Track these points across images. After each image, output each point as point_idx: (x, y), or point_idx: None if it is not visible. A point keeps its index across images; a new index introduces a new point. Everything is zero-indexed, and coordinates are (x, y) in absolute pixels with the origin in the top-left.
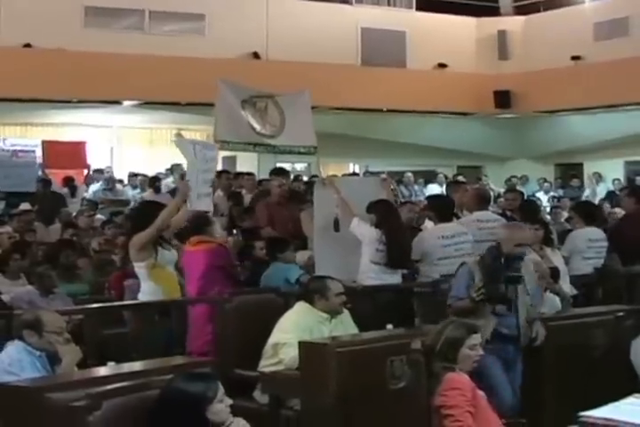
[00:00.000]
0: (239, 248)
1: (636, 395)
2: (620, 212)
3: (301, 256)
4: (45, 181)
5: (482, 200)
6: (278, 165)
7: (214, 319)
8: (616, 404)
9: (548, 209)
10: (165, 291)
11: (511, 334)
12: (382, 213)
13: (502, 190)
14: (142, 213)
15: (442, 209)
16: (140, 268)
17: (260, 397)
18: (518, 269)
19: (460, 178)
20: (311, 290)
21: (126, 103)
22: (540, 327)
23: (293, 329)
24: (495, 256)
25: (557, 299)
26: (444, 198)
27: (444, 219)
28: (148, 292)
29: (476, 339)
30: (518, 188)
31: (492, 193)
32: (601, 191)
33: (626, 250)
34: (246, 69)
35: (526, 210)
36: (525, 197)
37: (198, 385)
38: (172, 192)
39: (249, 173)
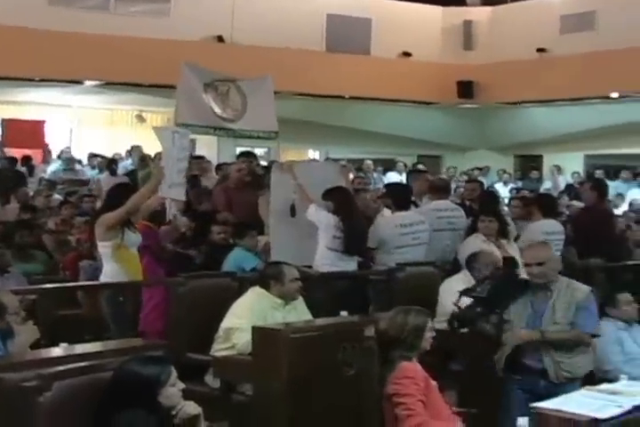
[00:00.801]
0: (194, 232)
1: (588, 387)
2: (578, 205)
3: (258, 242)
4: (12, 159)
5: (441, 189)
6: (238, 149)
7: (168, 301)
8: (568, 395)
9: (506, 200)
10: (129, 272)
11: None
12: (339, 199)
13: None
14: (115, 194)
15: (399, 197)
16: (104, 247)
17: (212, 381)
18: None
19: (421, 167)
20: (267, 275)
21: (88, 83)
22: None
23: (247, 314)
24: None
25: None
26: (402, 186)
27: (402, 207)
28: (110, 273)
29: (430, 321)
30: (479, 178)
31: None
32: (559, 184)
33: (585, 243)
34: (210, 52)
35: (485, 201)
36: (485, 188)
37: (152, 368)
38: (129, 174)
39: (198, 157)
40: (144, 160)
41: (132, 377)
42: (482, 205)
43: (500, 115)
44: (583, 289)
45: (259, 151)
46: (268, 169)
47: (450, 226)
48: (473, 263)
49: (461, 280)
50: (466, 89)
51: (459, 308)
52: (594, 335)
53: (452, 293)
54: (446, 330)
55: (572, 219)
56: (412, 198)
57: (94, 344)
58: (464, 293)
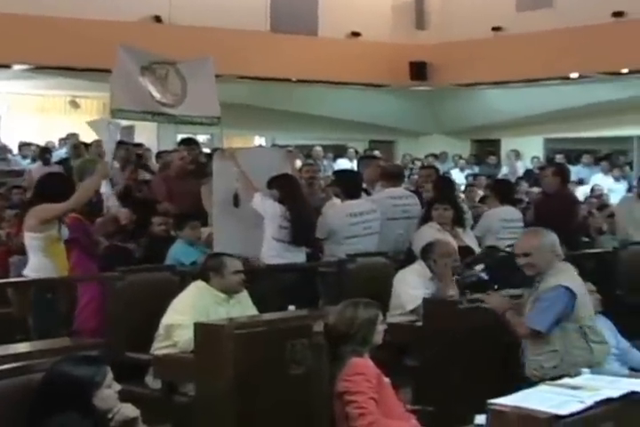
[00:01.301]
0: (134, 223)
1: (549, 382)
2: (538, 191)
3: (202, 233)
4: None
5: (394, 176)
6: (179, 136)
7: (104, 297)
8: (527, 391)
9: (462, 187)
10: (58, 267)
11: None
12: (285, 188)
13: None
14: (47, 183)
15: (349, 185)
16: (35, 239)
17: (152, 382)
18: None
19: (377, 153)
20: (206, 268)
21: (16, 67)
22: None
23: (188, 310)
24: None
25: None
26: (352, 173)
27: (352, 195)
28: (37, 267)
29: (381, 313)
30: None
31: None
32: (517, 169)
33: None
34: (147, 34)
35: (441, 187)
36: (440, 174)
37: (85, 369)
38: (62, 162)
39: (137, 144)
40: (78, 149)
41: (64, 379)
42: (438, 191)
43: (455, 97)
44: (550, 283)
45: (201, 138)
46: (210, 157)
47: (405, 214)
48: (428, 254)
49: (416, 271)
50: (419, 70)
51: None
52: (537, 331)
53: (407, 284)
54: (400, 323)
55: (534, 206)
56: (364, 186)
57: (24, 344)
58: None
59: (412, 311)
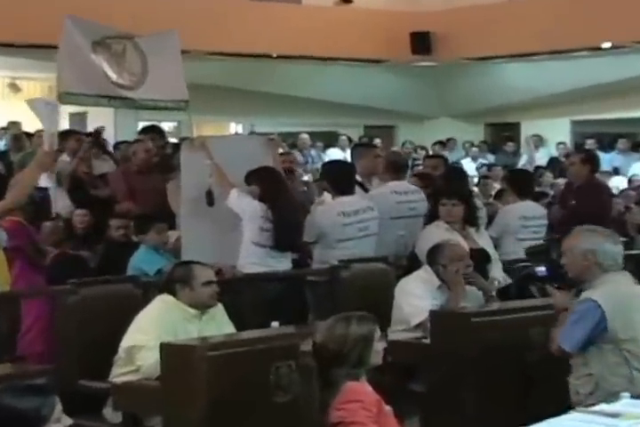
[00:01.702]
0: (87, 228)
1: (580, 409)
2: (564, 183)
3: (168, 238)
4: None
5: (398, 167)
6: (140, 124)
7: (52, 315)
8: (555, 420)
9: (475, 180)
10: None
11: None
12: (266, 183)
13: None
14: None
15: (340, 178)
16: None
17: (112, 414)
18: None
19: (377, 141)
20: (173, 279)
21: None
22: None
23: (153, 328)
24: None
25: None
26: (343, 165)
27: (344, 191)
28: None
29: (378, 328)
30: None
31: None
32: (541, 157)
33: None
34: (98, 3)
35: (452, 180)
36: (449, 164)
37: (30, 401)
38: (2, 157)
39: (90, 134)
40: (19, 140)
41: (5, 413)
42: (449, 184)
43: (464, 74)
44: (585, 295)
45: (166, 126)
46: (178, 147)
47: (411, 212)
48: (436, 258)
49: (421, 279)
50: (421, 43)
51: None
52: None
53: (410, 294)
54: (404, 341)
55: (560, 200)
56: (359, 180)
57: None
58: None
59: (418, 327)
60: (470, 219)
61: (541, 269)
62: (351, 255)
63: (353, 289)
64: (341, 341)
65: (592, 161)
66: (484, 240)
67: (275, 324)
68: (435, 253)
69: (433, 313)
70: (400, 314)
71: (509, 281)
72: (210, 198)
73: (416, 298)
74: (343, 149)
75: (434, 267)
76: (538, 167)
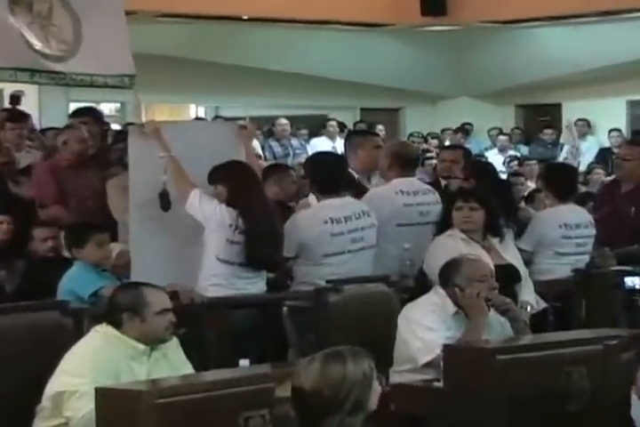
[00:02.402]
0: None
1: None
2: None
3: (110, 252)
4: None
5: (406, 161)
6: (73, 105)
7: None
8: None
9: (504, 177)
10: None
11: None
12: (236, 182)
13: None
14: None
15: (327, 175)
16: None
17: None
18: None
19: (380, 128)
20: (118, 306)
21: None
22: None
23: (88, 369)
24: None
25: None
26: (331, 158)
27: (330, 191)
28: None
29: (373, 363)
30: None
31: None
32: (589, 149)
33: (633, 242)
34: None
35: (483, 176)
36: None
37: None
38: None
39: None
40: None
41: None
42: (480, 181)
43: (488, 42)
44: None
45: (106, 108)
46: (122, 136)
47: (422, 218)
48: (451, 277)
49: (432, 305)
50: (433, 2)
51: None
52: None
53: (418, 324)
54: (411, 384)
55: (597, 203)
56: (355, 176)
57: None
58: None
59: (427, 366)
60: (493, 227)
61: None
62: (342, 274)
63: (345, 317)
64: (338, 385)
65: None
66: (511, 254)
67: (244, 362)
68: (449, 272)
69: (447, 348)
70: (405, 350)
71: (544, 306)
72: (164, 202)
73: (425, 330)
74: (332, 137)
75: (448, 289)
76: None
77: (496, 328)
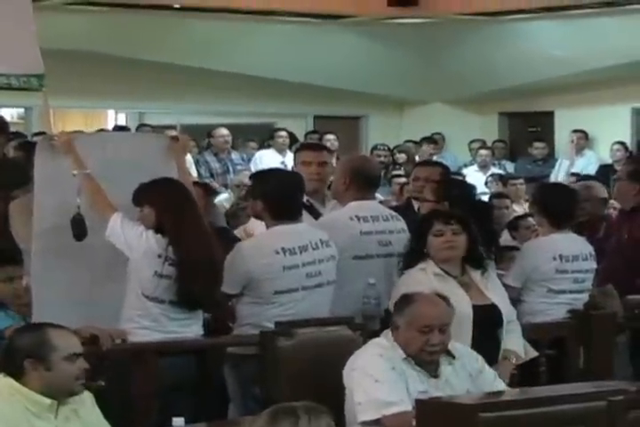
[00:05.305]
0: None
1: None
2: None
3: (12, 284)
4: None
5: (366, 180)
6: None
7: None
8: None
9: (485, 198)
10: None
11: None
12: (166, 204)
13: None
14: None
15: (277, 197)
16: None
17: None
18: None
19: (329, 137)
20: (18, 352)
21: None
22: None
23: None
24: None
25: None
26: (283, 176)
27: (285, 216)
28: None
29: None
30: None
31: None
32: (586, 166)
33: (635, 277)
34: None
35: (457, 198)
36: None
37: None
38: None
39: None
40: None
41: None
42: (456, 203)
43: (467, 37)
44: None
45: (8, 114)
46: (27, 148)
47: (383, 249)
48: (395, 313)
49: (380, 349)
50: None
51: None
52: None
53: (362, 375)
54: None
55: (613, 232)
56: (305, 199)
57: None
58: None
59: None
60: (474, 257)
61: None
62: (295, 315)
63: (297, 367)
64: None
65: None
66: (495, 292)
67: (178, 421)
68: (395, 307)
69: (421, 404)
70: (350, 404)
71: (534, 354)
72: (78, 229)
73: (370, 381)
74: (280, 151)
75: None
76: (581, 177)
77: (462, 382)
